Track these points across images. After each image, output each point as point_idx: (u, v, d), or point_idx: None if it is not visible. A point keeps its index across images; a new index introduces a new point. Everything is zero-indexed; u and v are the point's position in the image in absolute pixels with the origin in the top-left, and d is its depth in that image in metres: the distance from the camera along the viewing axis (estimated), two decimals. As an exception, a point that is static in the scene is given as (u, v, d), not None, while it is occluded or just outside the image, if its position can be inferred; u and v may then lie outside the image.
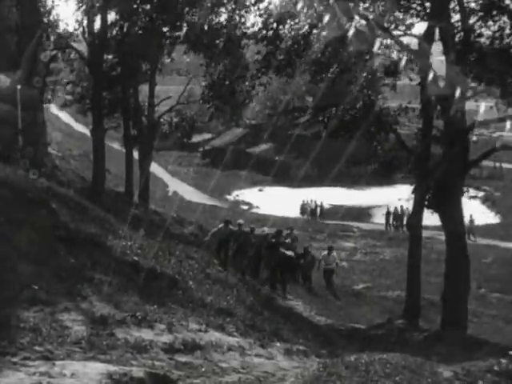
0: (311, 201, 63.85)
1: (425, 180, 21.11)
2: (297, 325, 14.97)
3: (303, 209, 62.89)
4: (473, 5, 20.47)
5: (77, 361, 6.56)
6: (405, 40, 22.01)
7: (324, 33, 21.63)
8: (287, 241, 26.50)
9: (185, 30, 35.95)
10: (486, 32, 20.34)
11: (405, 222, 54.21)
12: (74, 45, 37.18)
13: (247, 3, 32.40)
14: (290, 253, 24.55)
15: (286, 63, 22.56)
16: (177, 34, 36.74)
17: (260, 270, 25.61)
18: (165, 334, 8.33)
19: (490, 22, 20.16)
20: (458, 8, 20.27)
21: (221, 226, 25.12)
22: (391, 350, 11.12)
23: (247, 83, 30.87)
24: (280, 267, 24.73)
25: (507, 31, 20.06)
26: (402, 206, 56.32)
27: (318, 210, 62.72)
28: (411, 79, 22.32)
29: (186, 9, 34.38)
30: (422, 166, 21.35)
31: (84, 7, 34.00)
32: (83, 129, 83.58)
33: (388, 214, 57.08)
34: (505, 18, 19.97)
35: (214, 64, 35.52)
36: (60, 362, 6.43)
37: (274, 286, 24.65)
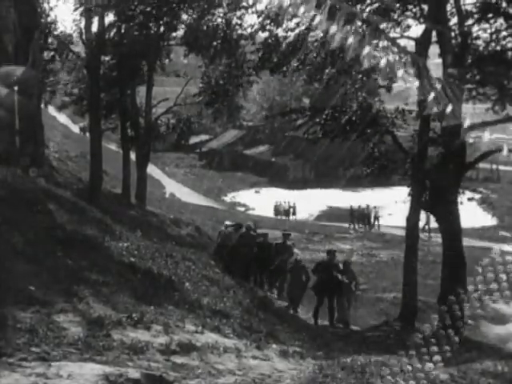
0: (285, 202, 64.97)
1: (421, 182, 21.15)
2: (293, 326, 14.98)
3: (277, 209, 64.31)
4: (469, 7, 20.51)
5: (73, 362, 6.57)
6: (401, 42, 22.08)
7: (320, 33, 21.68)
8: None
9: (182, 31, 36.07)
10: (483, 35, 20.39)
11: (372, 222, 57.32)
12: (72, 46, 37.20)
13: (244, 4, 32.47)
14: (342, 277, 21.11)
15: (282, 63, 22.62)
16: (174, 34, 36.86)
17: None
18: (161, 335, 8.34)
19: (487, 25, 20.20)
20: (454, 10, 20.30)
21: (230, 229, 24.02)
22: (387, 352, 11.14)
23: (237, 81, 30.97)
24: (329, 293, 21.21)
25: (503, 33, 20.11)
26: (367, 206, 58.08)
27: (291, 210, 63.99)
28: (406, 82, 22.34)
29: (183, 7, 34.47)
30: (419, 167, 21.38)
31: (82, 9, 34.06)
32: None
33: (352, 211, 58.61)
34: (501, 21, 20.02)
35: (213, 65, 35.57)
36: (56, 363, 6.44)
37: (317, 314, 21.46)
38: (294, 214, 64.05)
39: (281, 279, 23.50)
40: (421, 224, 51.81)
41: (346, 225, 57.29)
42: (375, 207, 58.43)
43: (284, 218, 61.85)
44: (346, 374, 7.37)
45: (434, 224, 23.22)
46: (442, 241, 21.28)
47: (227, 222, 26.31)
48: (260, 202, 69.60)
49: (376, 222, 57.37)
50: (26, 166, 20.81)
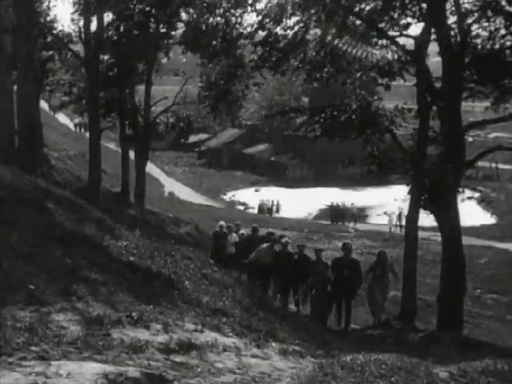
0: (268, 200, 66.72)
1: (421, 181, 21.13)
2: (292, 325, 14.97)
3: (261, 208, 65.84)
4: (469, 6, 20.51)
5: (72, 361, 6.56)
6: (401, 41, 22.09)
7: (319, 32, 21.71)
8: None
9: (182, 30, 36.12)
10: (482, 33, 20.40)
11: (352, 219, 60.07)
12: (71, 45, 37.21)
13: (244, 3, 32.43)
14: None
15: (281, 61, 22.61)
16: (173, 33, 36.91)
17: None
18: (160, 334, 8.33)
19: (486, 23, 20.20)
20: (454, 9, 20.30)
21: (265, 246, 21.39)
22: (387, 350, 11.13)
23: (242, 83, 30.87)
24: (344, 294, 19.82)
25: (502, 32, 20.12)
26: (341, 203, 61.23)
27: (275, 208, 66.05)
28: (405, 80, 22.40)
29: (182, 7, 34.54)
30: (418, 166, 21.37)
31: (80, 8, 34.07)
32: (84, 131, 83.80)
33: (332, 208, 61.92)
34: (500, 19, 20.02)
35: (212, 64, 35.59)
36: (56, 362, 6.43)
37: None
38: (277, 211, 65.52)
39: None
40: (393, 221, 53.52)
41: (345, 223, 57.50)
42: (352, 204, 59.78)
43: (268, 215, 63.04)
44: (346, 373, 7.36)
45: (428, 222, 23.27)
46: (441, 239, 21.29)
47: (222, 223, 25.12)
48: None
49: (356, 219, 59.82)
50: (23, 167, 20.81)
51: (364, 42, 21.13)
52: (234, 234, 24.22)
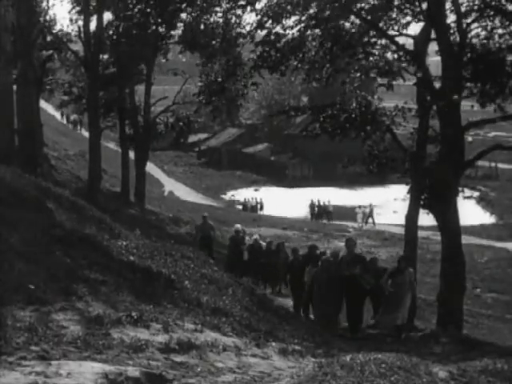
0: (252, 198, 68.74)
1: (420, 180, 21.14)
2: (292, 325, 14.97)
3: (245, 206, 68.00)
4: (468, 3, 20.51)
5: (72, 360, 6.56)
6: (400, 40, 22.10)
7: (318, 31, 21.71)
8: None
9: (181, 29, 36.12)
10: (482, 32, 20.41)
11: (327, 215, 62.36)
12: (71, 45, 37.24)
13: (243, 2, 32.43)
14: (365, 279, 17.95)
15: (280, 61, 22.60)
16: (172, 33, 36.92)
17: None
18: (160, 333, 8.33)
19: (485, 23, 20.22)
20: (453, 8, 20.30)
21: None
22: (387, 349, 11.14)
23: (240, 82, 30.80)
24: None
25: (500, 31, 20.15)
26: (324, 201, 63.03)
27: (258, 206, 67.68)
28: (404, 80, 22.41)
29: (180, 5, 34.53)
30: (418, 165, 21.38)
31: (78, 7, 34.10)
32: (79, 128, 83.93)
33: (312, 205, 63.91)
34: (499, 18, 20.04)
35: (210, 64, 35.58)
36: (56, 361, 6.43)
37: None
38: (261, 209, 67.07)
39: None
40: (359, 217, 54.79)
41: (344, 223, 57.50)
42: (329, 202, 62.76)
43: (254, 213, 63.74)
44: (346, 372, 7.35)
45: (429, 222, 23.27)
46: (441, 238, 21.29)
47: (238, 226, 24.74)
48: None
49: (330, 217, 61.95)
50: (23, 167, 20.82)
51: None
52: (247, 237, 23.96)
